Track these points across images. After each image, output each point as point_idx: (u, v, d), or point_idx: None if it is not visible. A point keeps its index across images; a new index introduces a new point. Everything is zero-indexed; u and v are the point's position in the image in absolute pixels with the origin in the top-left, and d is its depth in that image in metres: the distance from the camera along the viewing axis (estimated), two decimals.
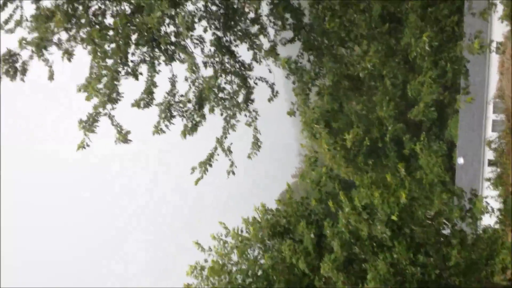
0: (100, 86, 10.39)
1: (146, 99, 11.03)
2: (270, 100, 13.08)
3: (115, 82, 10.53)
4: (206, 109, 12.82)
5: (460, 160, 35.75)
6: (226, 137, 12.64)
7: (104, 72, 10.44)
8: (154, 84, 11.05)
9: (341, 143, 33.97)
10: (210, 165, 12.35)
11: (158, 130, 11.33)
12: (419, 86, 11.32)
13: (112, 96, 10.49)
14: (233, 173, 12.57)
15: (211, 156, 12.44)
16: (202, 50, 12.27)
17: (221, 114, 12.52)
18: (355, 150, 37.49)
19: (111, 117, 10.56)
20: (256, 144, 12.47)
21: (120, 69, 10.60)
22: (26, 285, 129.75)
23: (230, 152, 12.60)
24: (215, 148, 12.54)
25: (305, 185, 11.89)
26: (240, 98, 12.53)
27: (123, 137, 10.41)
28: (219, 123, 13.16)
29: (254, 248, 11.37)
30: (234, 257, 11.44)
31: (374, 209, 9.93)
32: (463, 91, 12.50)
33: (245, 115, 12.67)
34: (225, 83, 12.27)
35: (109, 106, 10.52)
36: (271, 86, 13.18)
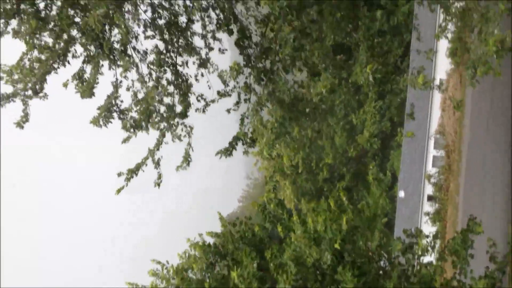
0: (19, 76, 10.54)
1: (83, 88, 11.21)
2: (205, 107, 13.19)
3: (45, 77, 10.69)
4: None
5: (401, 193, 36.54)
6: (158, 149, 12.69)
7: (37, 65, 10.55)
8: (95, 81, 11.24)
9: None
10: (136, 174, 12.30)
11: (95, 122, 11.61)
12: (364, 116, 11.48)
13: (34, 88, 10.68)
14: (158, 185, 12.51)
15: (139, 166, 12.41)
16: (151, 63, 12.34)
17: (157, 127, 12.61)
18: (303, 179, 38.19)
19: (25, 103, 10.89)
20: (187, 159, 12.54)
21: (55, 65, 10.74)
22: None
23: (158, 165, 12.62)
24: (146, 158, 12.49)
25: (252, 210, 11.81)
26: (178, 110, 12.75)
27: None
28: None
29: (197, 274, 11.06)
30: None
31: (320, 235, 9.90)
32: (402, 128, 12.97)
33: (181, 129, 12.85)
34: (164, 95, 12.45)
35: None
36: (207, 103, 13.62)
